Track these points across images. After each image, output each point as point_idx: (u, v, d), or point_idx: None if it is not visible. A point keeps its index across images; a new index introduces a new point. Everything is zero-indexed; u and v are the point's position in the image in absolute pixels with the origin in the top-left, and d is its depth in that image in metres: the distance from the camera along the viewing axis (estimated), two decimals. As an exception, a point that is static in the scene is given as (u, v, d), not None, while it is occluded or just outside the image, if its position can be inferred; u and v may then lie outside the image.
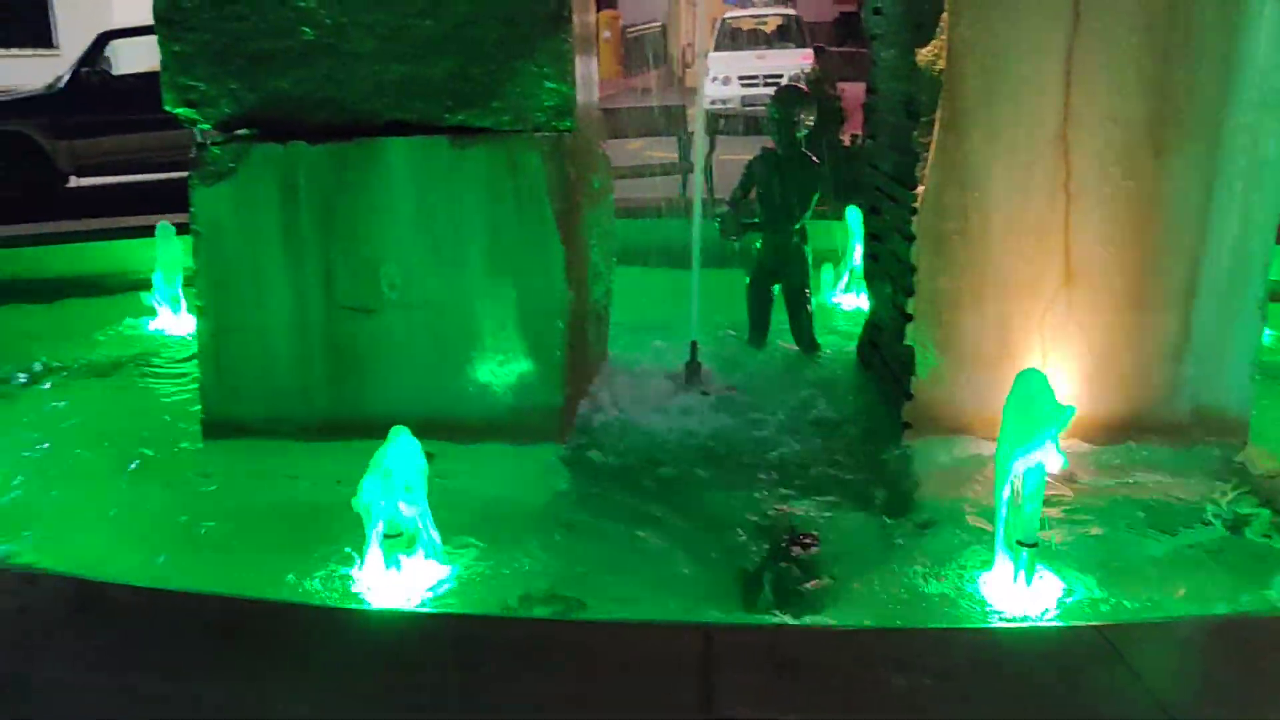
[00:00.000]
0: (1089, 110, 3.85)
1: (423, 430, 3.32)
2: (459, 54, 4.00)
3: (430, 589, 3.24)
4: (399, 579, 3.23)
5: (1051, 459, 3.07)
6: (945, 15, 3.81)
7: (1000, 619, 3.04)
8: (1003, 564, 3.18)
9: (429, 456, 3.57)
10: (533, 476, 4.01)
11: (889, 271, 4.51)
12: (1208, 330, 4.04)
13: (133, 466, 4.14)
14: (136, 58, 13.23)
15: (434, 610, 3.05)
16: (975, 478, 3.87)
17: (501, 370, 4.20)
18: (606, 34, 25.91)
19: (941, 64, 3.86)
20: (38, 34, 16.94)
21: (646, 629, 2.44)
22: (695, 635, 2.37)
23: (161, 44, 4.07)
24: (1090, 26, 3.78)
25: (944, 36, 3.84)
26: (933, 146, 3.93)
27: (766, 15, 21.96)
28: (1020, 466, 3.06)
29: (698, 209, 4.84)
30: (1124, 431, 4.09)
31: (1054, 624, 2.96)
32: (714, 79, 18.61)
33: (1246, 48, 3.79)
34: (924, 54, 3.93)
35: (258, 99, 4.09)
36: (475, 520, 3.58)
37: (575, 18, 4.07)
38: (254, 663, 2.34)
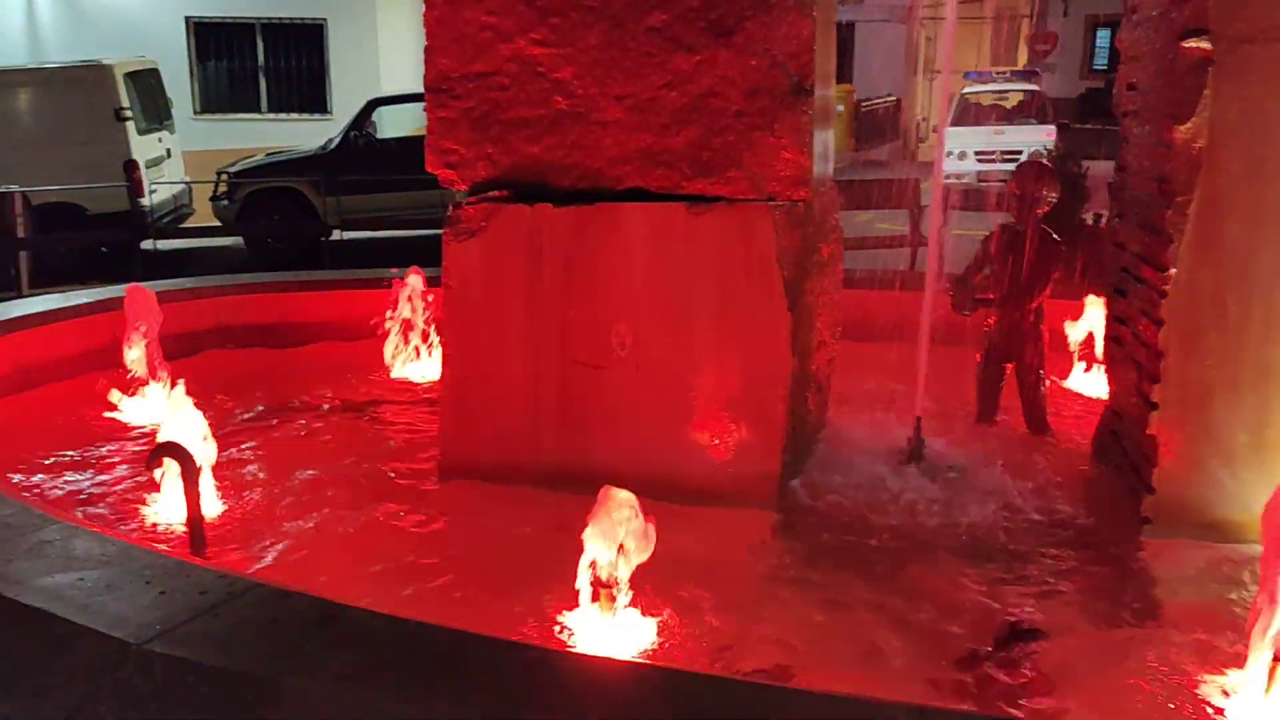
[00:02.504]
0: (1369, 194, 3.58)
1: (641, 487, 3.38)
2: (700, 124, 4.14)
3: (638, 642, 3.30)
4: (611, 629, 3.30)
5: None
6: (1207, 93, 3.65)
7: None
8: (1253, 678, 2.93)
9: (648, 515, 3.66)
10: (745, 541, 4.02)
11: (1134, 357, 4.30)
12: None
13: (372, 502, 4.41)
14: (399, 123, 14.32)
15: (649, 663, 3.10)
16: (1219, 582, 3.61)
17: (721, 433, 4.25)
18: (840, 107, 25.96)
19: (1201, 143, 3.69)
20: (315, 101, 18.62)
21: (860, 704, 2.39)
22: (909, 715, 2.30)
23: (429, 111, 4.41)
24: (1373, 106, 3.53)
25: (1205, 114, 3.68)
26: (1187, 228, 3.75)
27: (1008, 90, 21.46)
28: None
29: (930, 283, 4.77)
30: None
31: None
32: (949, 153, 18.33)
33: None
34: (1182, 131, 3.76)
35: (511, 163, 4.35)
36: (685, 579, 3.62)
37: (816, 90, 4.14)
38: (479, 694, 2.43)
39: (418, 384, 6.13)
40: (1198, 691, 3.03)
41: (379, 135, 14.44)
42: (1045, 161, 5.62)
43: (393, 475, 4.69)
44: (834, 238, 4.90)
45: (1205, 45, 3.65)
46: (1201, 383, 3.81)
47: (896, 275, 6.92)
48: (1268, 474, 3.15)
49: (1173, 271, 3.81)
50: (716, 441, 4.27)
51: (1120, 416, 4.52)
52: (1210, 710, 2.95)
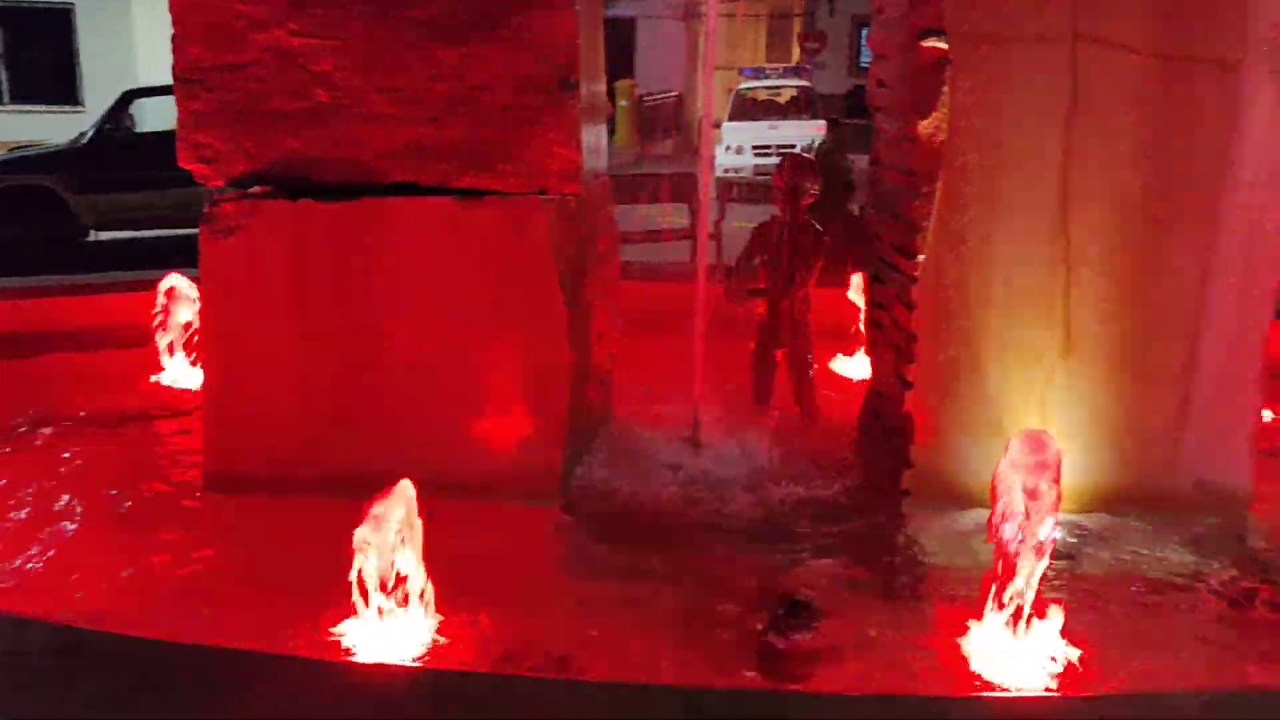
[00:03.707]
0: (1087, 183, 3.90)
1: (424, 487, 3.33)
2: (469, 118, 4.09)
3: (422, 644, 3.24)
4: (391, 634, 3.22)
5: (1046, 528, 3.07)
6: (945, 90, 3.89)
7: (992, 688, 3.02)
8: (997, 632, 3.16)
9: (429, 514, 3.59)
10: (529, 535, 4.02)
11: (891, 340, 4.54)
12: (1207, 403, 4.05)
13: (134, 517, 4.16)
14: (161, 115, 13.51)
15: (422, 665, 3.04)
16: (973, 546, 3.86)
17: (503, 429, 4.23)
18: (624, 102, 26.29)
19: (942, 136, 3.93)
20: (63, 91, 17.35)
21: (632, 692, 2.43)
22: (680, 700, 2.36)
23: (179, 102, 4.18)
24: (1087, 104, 3.85)
25: (944, 110, 3.91)
26: (932, 217, 3.99)
27: (781, 87, 22.27)
28: (1015, 533, 3.06)
29: (702, 275, 4.89)
30: (1124, 504, 4.09)
31: (1045, 694, 2.93)
32: (727, 148, 18.88)
33: (1244, 123, 3.85)
34: (924, 126, 3.99)
35: (272, 157, 4.18)
36: (470, 577, 3.58)
37: (584, 86, 4.17)
38: (241, 715, 2.33)
39: (183, 392, 5.80)
40: (958, 649, 3.22)
41: (138, 128, 13.57)
42: (808, 155, 5.86)
43: (154, 490, 4.42)
44: (609, 231, 4.96)
45: (942, 45, 3.89)
46: (949, 361, 4.06)
47: (677, 268, 7.09)
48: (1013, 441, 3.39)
49: (921, 258, 4.04)
50: (498, 437, 4.24)
51: (881, 396, 4.76)
52: (967, 667, 3.15)
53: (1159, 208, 3.93)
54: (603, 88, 4.87)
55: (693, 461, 4.71)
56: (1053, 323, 4.02)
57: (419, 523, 3.27)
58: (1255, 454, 4.16)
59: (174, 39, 4.13)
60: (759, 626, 3.37)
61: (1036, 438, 3.18)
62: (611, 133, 25.96)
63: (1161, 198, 3.92)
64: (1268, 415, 4.63)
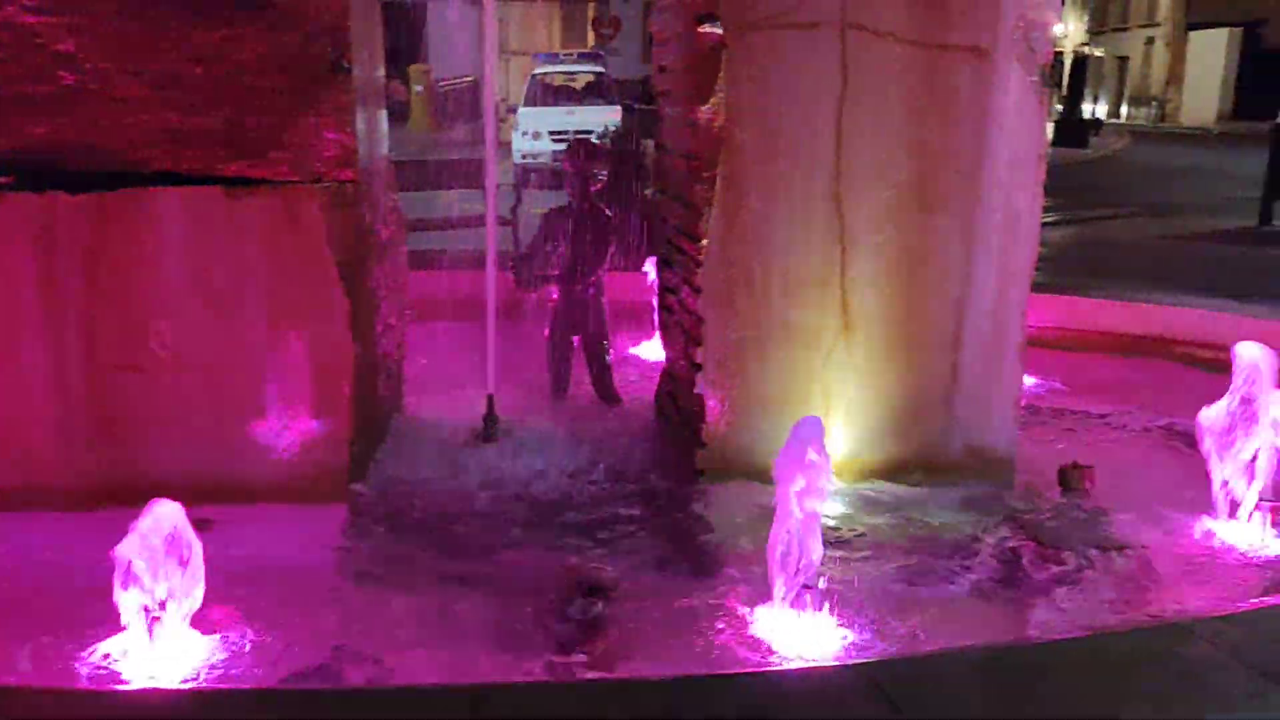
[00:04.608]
0: (858, 168, 4.05)
1: (202, 493, 3.16)
2: (234, 103, 3.88)
3: (201, 661, 3.05)
4: (165, 653, 3.02)
5: (825, 501, 3.17)
6: (722, 75, 3.95)
7: (777, 662, 3.09)
8: (782, 606, 3.24)
9: (208, 522, 3.39)
10: (318, 537, 3.86)
11: (681, 323, 4.60)
12: (974, 374, 4.28)
13: None
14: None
15: (196, 686, 2.87)
16: (763, 522, 3.95)
17: (284, 428, 4.05)
18: (418, 87, 25.74)
19: (720, 121, 3.99)
20: None
21: (415, 694, 2.35)
22: (464, 698, 2.30)
23: (-98, 85, 3.79)
24: (856, 90, 3.99)
25: (722, 95, 3.97)
26: (715, 201, 4.05)
27: (576, 72, 22.28)
28: (796, 509, 3.14)
29: (491, 261, 4.82)
30: (901, 472, 4.28)
31: (823, 664, 3.02)
32: (524, 133, 18.79)
33: (996, 109, 4.08)
34: (704, 111, 4.05)
35: (12, 145, 3.84)
36: (256, 586, 3.42)
37: (357, 70, 4.01)
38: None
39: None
40: (752, 627, 3.28)
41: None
42: (597, 140, 5.88)
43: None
44: (393, 219, 4.81)
45: (718, 31, 3.95)
46: (735, 342, 4.15)
47: (468, 255, 6.96)
48: (796, 420, 3.48)
49: (705, 242, 4.10)
50: (279, 437, 4.06)
51: (674, 379, 4.83)
52: (753, 642, 3.22)
53: (926, 189, 4.12)
54: (381, 71, 4.71)
55: (487, 452, 4.64)
56: (831, 302, 4.16)
57: (191, 532, 3.07)
58: (1019, 419, 4.42)
59: (-108, 16, 3.72)
60: (552, 615, 3.35)
61: (806, 420, 3.28)
62: (406, 118, 25.41)
63: (928, 180, 4.11)
64: (1028, 382, 4.95)
